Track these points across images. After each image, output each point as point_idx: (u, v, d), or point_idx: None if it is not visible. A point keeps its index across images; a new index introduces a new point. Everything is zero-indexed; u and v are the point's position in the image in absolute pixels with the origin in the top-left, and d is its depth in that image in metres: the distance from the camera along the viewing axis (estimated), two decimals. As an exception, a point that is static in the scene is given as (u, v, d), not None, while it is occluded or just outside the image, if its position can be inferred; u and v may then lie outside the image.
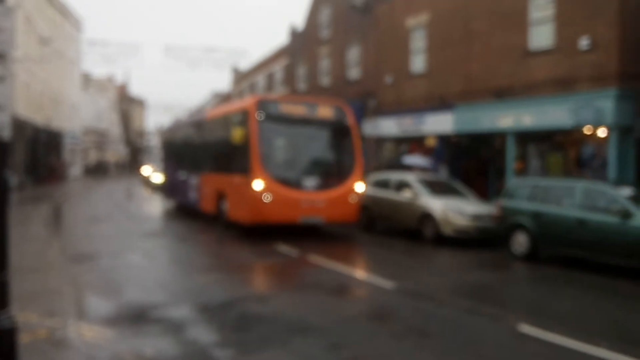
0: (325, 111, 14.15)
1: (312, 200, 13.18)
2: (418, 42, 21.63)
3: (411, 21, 21.86)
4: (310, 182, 13.37)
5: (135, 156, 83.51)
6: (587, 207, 10.80)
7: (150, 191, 32.13)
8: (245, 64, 47.49)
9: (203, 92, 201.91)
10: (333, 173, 14.01)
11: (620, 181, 13.23)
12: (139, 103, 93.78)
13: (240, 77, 45.87)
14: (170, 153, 23.03)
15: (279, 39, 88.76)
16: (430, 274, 10.41)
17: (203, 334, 6.03)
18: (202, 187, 17.11)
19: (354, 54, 26.18)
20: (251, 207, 12.98)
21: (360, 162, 14.18)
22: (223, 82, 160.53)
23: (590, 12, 15.45)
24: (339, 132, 14.31)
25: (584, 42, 15.22)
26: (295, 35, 32.57)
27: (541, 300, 8.47)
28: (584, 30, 15.35)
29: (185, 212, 19.40)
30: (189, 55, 40.86)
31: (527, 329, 6.47)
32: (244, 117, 13.67)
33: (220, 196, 15.31)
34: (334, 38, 27.79)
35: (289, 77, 32.82)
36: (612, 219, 10.22)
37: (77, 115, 51.00)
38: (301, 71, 31.43)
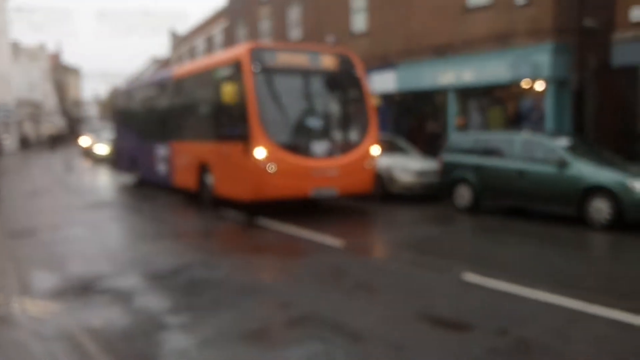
0: (330, 61, 11.92)
1: (324, 169, 11.13)
2: (359, 1, 21.48)
3: (351, -21, 21.63)
4: (321, 147, 11.28)
5: (73, 127, 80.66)
6: (526, 159, 11.18)
7: (92, 163, 31.21)
8: (184, 27, 46.12)
9: (141, 59, 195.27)
10: (345, 135, 12.12)
11: (557, 132, 13.70)
12: (73, 72, 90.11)
13: (179, 41, 44.60)
14: (125, 121, 19.79)
15: (218, 0, 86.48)
16: (377, 231, 10.61)
17: (153, 302, 5.99)
18: (173, 158, 14.80)
19: (294, 14, 25.81)
20: (251, 180, 10.89)
21: (375, 121, 12.10)
22: (162, 47, 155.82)
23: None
24: (348, 86, 12.20)
25: (520, -3, 15.46)
26: (233, -4, 31.81)
27: (484, 250, 8.79)
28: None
29: (149, 187, 17.13)
30: (124, 21, 39.40)
31: (471, 277, 6.71)
32: (235, 70, 11.38)
33: (202, 169, 13.02)
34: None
35: (229, 39, 32.15)
36: (549, 169, 10.62)
37: (8, 86, 48.61)
38: (241, 33, 30.82)
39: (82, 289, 6.43)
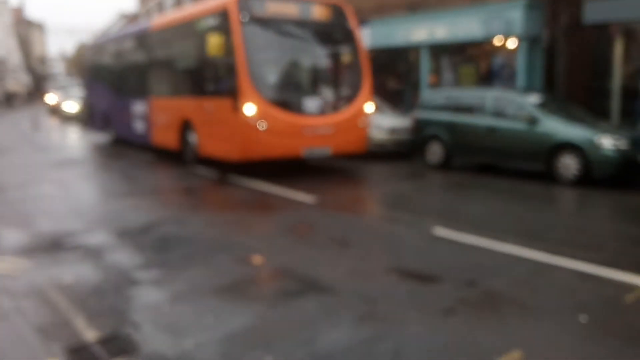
0: (322, 12, 11.16)
1: (317, 127, 10.57)
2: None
3: None
4: (313, 103, 10.69)
5: (39, 84, 78.47)
6: (497, 115, 11.27)
7: (60, 121, 30.51)
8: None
9: (108, 14, 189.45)
10: (338, 91, 11.56)
11: (528, 89, 13.79)
12: (38, 27, 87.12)
13: (147, -5, 43.24)
14: (98, 76, 18.79)
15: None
16: (350, 187, 10.64)
17: (123, 258, 5.95)
18: (152, 115, 14.10)
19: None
20: (240, 139, 10.28)
21: (369, 76, 11.51)
22: (129, 2, 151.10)
23: None
24: (341, 39, 11.56)
25: (494, -48, 15.29)
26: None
27: (454, 205, 8.91)
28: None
29: (123, 146, 16.70)
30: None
31: (441, 231, 6.81)
32: (221, 20, 10.60)
33: (184, 126, 12.36)
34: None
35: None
36: (519, 126, 10.73)
37: (-32, 41, 46.78)
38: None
39: (52, 246, 6.35)
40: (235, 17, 10.23)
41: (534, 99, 11.29)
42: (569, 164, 10.06)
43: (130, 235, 6.82)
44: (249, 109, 10.07)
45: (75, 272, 5.49)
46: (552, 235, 6.86)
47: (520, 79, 14.91)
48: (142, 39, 15.06)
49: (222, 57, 10.45)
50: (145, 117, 14.48)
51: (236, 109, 10.20)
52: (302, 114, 10.52)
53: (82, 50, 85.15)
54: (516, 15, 14.63)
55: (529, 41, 15.03)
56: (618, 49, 14.15)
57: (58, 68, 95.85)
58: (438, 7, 16.48)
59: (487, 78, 16.11)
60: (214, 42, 10.26)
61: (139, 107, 14.89)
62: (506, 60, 15.81)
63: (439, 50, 17.04)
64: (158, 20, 15.15)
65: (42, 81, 79.92)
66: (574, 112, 11.47)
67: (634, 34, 14.41)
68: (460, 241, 6.46)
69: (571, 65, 15.50)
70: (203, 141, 11.61)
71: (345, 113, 10.99)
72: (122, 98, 16.18)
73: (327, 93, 11.29)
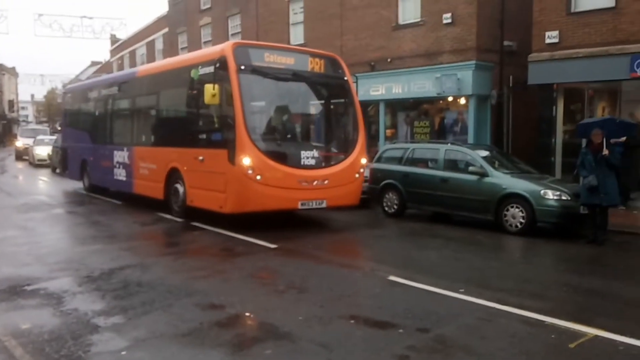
0: (318, 63, 10.71)
1: (313, 179, 10.05)
2: (296, 15, 21.60)
3: (290, -7, 21.71)
4: (309, 155, 10.17)
5: (8, 128, 76.73)
6: (450, 168, 11.55)
7: (29, 166, 29.75)
8: (126, 32, 44.91)
9: (80, 62, 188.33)
10: (334, 143, 11.14)
11: (478, 144, 14.21)
12: (9, 71, 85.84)
13: (120, 45, 43.31)
14: (76, 122, 17.56)
15: (160, 6, 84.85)
16: (310, 234, 10.61)
17: (84, 304, 5.75)
18: (135, 163, 13.18)
19: (235, 23, 25.65)
20: (235, 190, 9.68)
21: (363, 129, 11.12)
22: (102, 51, 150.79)
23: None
24: (337, 91, 11.15)
25: (447, 18, 15.98)
26: (175, 3, 31.22)
27: (409, 253, 8.97)
28: (447, 6, 16.11)
29: (97, 192, 15.70)
30: (63, 23, 37.92)
31: (396, 279, 6.83)
32: (218, 68, 9.86)
33: (171, 176, 11.61)
34: (215, 7, 27.00)
35: (170, 46, 31.53)
36: (470, 178, 10.99)
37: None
38: (182, 40, 30.32)
39: (10, 292, 6.11)
40: (232, 66, 9.66)
41: (483, 153, 11.62)
42: (516, 214, 10.31)
43: (92, 281, 6.62)
44: (246, 160, 9.46)
45: (33, 318, 5.28)
46: (500, 283, 6.96)
47: (471, 134, 15.38)
48: (127, 85, 14.25)
49: (218, 106, 9.87)
50: (128, 165, 13.59)
51: (232, 159, 9.59)
52: (299, 166, 9.99)
53: (52, 95, 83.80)
54: (467, 76, 15.21)
55: (479, 99, 15.59)
56: (559, 108, 14.77)
57: (28, 112, 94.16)
58: (396, 66, 17.00)
59: (441, 132, 16.55)
60: (210, 91, 9.59)
61: (120, 154, 13.97)
62: (458, 116, 16.31)
63: (396, 106, 17.49)
64: (145, 67, 14.56)
65: (11, 125, 78.25)
66: (520, 165, 11.84)
67: (573, 95, 15.11)
68: (414, 288, 6.49)
69: (517, 123, 16.08)
70: (192, 192, 10.89)
71: (341, 165, 10.52)
72: (101, 144, 15.27)
73: (323, 145, 10.94)
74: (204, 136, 10.68)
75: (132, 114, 13.99)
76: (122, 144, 14.00)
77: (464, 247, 9.47)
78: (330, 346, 4.66)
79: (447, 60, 15.91)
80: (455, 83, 15.44)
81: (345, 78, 11.05)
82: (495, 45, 15.54)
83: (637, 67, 13.04)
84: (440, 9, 16.20)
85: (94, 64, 61.07)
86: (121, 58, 42.05)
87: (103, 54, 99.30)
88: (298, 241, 9.32)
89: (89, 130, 16.35)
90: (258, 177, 9.51)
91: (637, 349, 4.67)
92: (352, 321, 5.31)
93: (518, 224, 10.27)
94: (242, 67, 9.70)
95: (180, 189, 11.28)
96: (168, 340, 4.74)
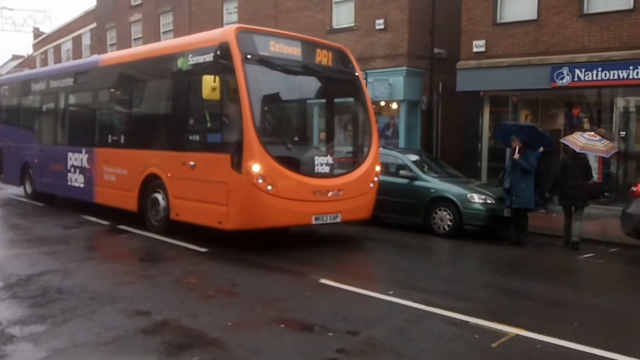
0: (327, 55, 9.26)
1: (328, 190, 8.67)
2: (231, 15, 21.38)
3: (224, -8, 21.45)
4: (324, 162, 8.82)
5: None
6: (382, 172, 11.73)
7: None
8: (50, 26, 42.97)
9: (0, 55, 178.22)
10: (348, 147, 9.91)
11: (408, 148, 14.54)
12: None
13: (44, 39, 41.38)
14: (15, 119, 15.05)
15: (87, 0, 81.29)
16: (241, 238, 10.51)
17: (0, 313, 5.44)
18: (98, 168, 11.34)
19: (167, 21, 25.10)
20: (240, 203, 8.18)
21: (376, 132, 9.76)
22: (24, 44, 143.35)
23: (384, -4, 16.51)
24: (348, 87, 9.74)
25: (379, 24, 16.29)
26: (104, -2, 30.22)
27: (340, 256, 9.03)
28: (380, 12, 16.41)
29: (42, 199, 13.76)
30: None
31: (328, 282, 6.86)
32: (219, 56, 8.25)
33: (148, 184, 9.90)
34: (146, 3, 26.32)
35: (98, 41, 30.44)
36: (401, 181, 11.22)
37: None
38: (111, 36, 29.35)
39: None
40: (237, 54, 8.11)
41: (413, 157, 11.91)
42: (443, 217, 10.62)
43: (8, 288, 6.27)
44: (255, 167, 7.97)
45: (-60, 329, 4.93)
46: (428, 285, 7.13)
47: (402, 138, 15.72)
48: (86, 76, 12.24)
49: (217, 102, 8.32)
50: (87, 170, 11.71)
51: (236, 166, 8.07)
52: (312, 174, 8.61)
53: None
54: (399, 82, 15.54)
55: (409, 105, 15.96)
56: (485, 115, 15.36)
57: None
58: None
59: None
60: (209, 84, 8.00)
61: (77, 157, 12.04)
62: (389, 120, 16.64)
63: (329, 109, 17.60)
64: (113, 55, 12.76)
65: None
66: (448, 170, 12.22)
67: (498, 102, 15.75)
68: (344, 291, 6.54)
69: (446, 128, 16.58)
70: (178, 203, 9.21)
71: (357, 173, 9.17)
72: (50, 145, 13.30)
73: (338, 149, 9.65)
74: (196, 138, 9.08)
75: (93, 110, 12.08)
76: (80, 145, 12.04)
77: (394, 249, 9.65)
78: (259, 351, 4.62)
79: (380, 65, 16.21)
80: (387, 88, 15.75)
81: (357, 74, 9.72)
82: (425, 52, 15.98)
83: (557, 78, 13.77)
84: (374, 14, 16.50)
85: (15, 57, 57.93)
86: (45, 52, 40.18)
87: (25, 47, 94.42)
88: (229, 245, 9.19)
89: (33, 128, 14.22)
90: (269, 188, 8.03)
91: (553, 346, 4.90)
92: (282, 325, 5.29)
93: (446, 227, 10.59)
94: (248, 57, 8.18)
95: (161, 199, 9.57)
96: (89, 349, 4.55)
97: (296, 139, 9.49)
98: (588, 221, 11.99)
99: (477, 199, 10.46)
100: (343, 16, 17.60)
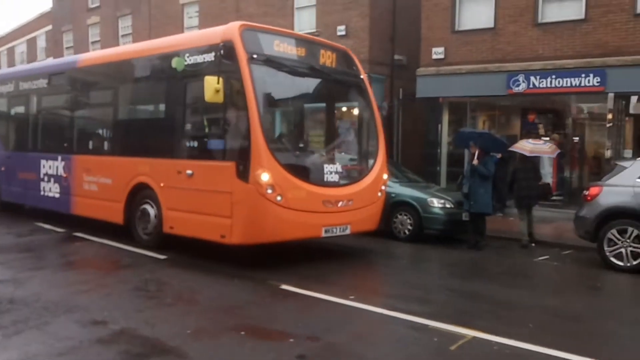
0: (330, 57, 8.69)
1: (338, 200, 8.15)
2: (191, 19, 21.19)
3: (185, -4, 21.26)
4: (333, 170, 8.30)
5: None
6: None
7: None
8: (2, 27, 41.68)
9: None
10: (356, 155, 9.41)
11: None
12: None
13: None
14: None
15: (43, 2, 79.33)
16: (201, 244, 10.38)
17: (-55, 325, 5.21)
18: (78, 177, 10.49)
19: (125, 24, 24.68)
20: (247, 216, 7.56)
21: (383, 138, 9.30)
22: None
23: (347, 3, 16.65)
24: (354, 91, 9.29)
25: (341, 30, 16.40)
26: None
27: (301, 261, 8.99)
28: (341, 19, 16.53)
29: (9, 209, 12.71)
30: None
31: (289, 288, 6.84)
32: (222, 57, 7.65)
33: (136, 194, 9.18)
34: (104, 6, 25.82)
35: (54, 44, 29.70)
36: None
37: None
38: (67, 39, 28.68)
39: None
40: (242, 54, 7.52)
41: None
42: (404, 222, 10.73)
43: (-45, 299, 6.03)
44: (264, 176, 7.36)
45: None
46: (388, 289, 7.20)
47: (364, 143, 15.80)
48: (63, 78, 11.37)
49: (220, 105, 7.65)
50: (63, 178, 10.86)
51: (243, 175, 7.44)
52: (322, 183, 8.09)
53: None
54: (359, 87, 15.59)
55: (371, 110, 16.05)
56: (445, 121, 15.62)
57: None
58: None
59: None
60: (212, 85, 7.34)
61: (52, 165, 11.18)
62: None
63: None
64: (94, 54, 11.86)
65: None
66: (408, 174, 12.36)
67: (457, 108, 16.04)
68: (306, 296, 6.53)
69: (406, 133, 16.79)
70: (172, 215, 8.51)
71: (365, 182, 8.68)
72: (20, 151, 12.36)
73: (346, 156, 9.11)
74: (193, 144, 8.37)
75: (71, 115, 11.21)
76: (55, 152, 11.15)
77: (355, 254, 9.69)
78: (219, 359, 4.56)
79: (341, 71, 16.30)
80: (349, 94, 15.82)
81: (362, 76, 9.28)
82: (386, 58, 16.16)
83: (513, 84, 14.11)
84: (335, 20, 16.60)
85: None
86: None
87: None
88: (189, 251, 9.05)
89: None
90: (278, 198, 7.45)
91: (509, 348, 5.00)
92: (243, 332, 5.23)
93: (406, 231, 10.70)
94: (254, 57, 7.59)
95: (152, 211, 8.89)
96: (42, 361, 4.41)
97: (304, 145, 8.90)
98: (544, 224, 12.33)
99: (436, 203, 10.61)
100: (305, 22, 17.64)
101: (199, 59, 8.19)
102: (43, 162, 11.42)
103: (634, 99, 14.11)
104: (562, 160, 14.96)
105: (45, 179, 11.36)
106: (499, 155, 11.34)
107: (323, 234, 8.11)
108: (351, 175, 8.69)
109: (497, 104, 16.05)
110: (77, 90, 11.04)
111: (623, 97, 13.67)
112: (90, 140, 10.75)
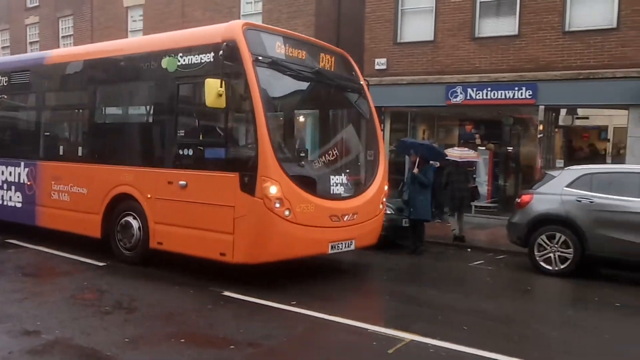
0: (329, 61, 8.15)
1: (344, 213, 7.61)
2: (136, 22, 20.75)
3: (128, -1, 20.80)
4: (338, 181, 7.74)
5: None
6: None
7: None
8: None
9: None
10: (357, 165, 8.76)
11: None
12: None
13: None
14: None
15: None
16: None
17: None
18: (45, 186, 9.47)
19: (66, 25, 23.87)
20: (253, 232, 6.89)
21: (383, 147, 8.88)
22: None
23: (292, 12, 16.73)
24: (354, 98, 8.65)
25: (286, 38, 16.40)
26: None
27: (244, 268, 8.90)
28: (287, 27, 16.48)
29: None
30: None
31: (230, 294, 6.77)
32: (224, 57, 6.84)
33: (116, 206, 8.35)
34: (44, 5, 24.89)
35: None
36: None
37: None
38: (4, 38, 27.46)
39: None
40: (247, 54, 6.90)
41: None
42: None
43: None
44: (272, 188, 6.72)
45: None
46: (329, 294, 7.21)
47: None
48: (28, 76, 10.21)
49: (221, 110, 6.98)
50: (27, 186, 9.84)
51: (248, 187, 6.78)
52: (328, 196, 7.52)
53: None
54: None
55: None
56: (387, 130, 15.87)
57: None
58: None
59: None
60: (214, 89, 6.64)
61: (12, 172, 10.14)
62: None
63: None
64: (66, 51, 10.75)
65: None
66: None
67: (399, 118, 16.35)
68: (248, 302, 6.48)
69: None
70: (161, 230, 7.73)
71: (368, 194, 8.11)
72: None
73: (349, 167, 8.44)
74: (188, 152, 7.53)
75: (37, 117, 10.09)
76: (17, 157, 10.13)
77: (297, 260, 9.66)
78: (157, 368, 4.46)
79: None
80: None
81: (361, 82, 8.81)
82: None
83: (452, 96, 14.52)
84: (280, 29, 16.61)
85: None
86: None
87: None
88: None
89: None
90: (287, 213, 6.85)
91: (445, 350, 5.12)
92: (183, 340, 5.13)
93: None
94: (259, 58, 6.99)
95: (135, 224, 8.09)
96: (-32, 374, 4.18)
97: (309, 155, 8.22)
98: (479, 230, 12.72)
99: (378, 210, 10.75)
100: (250, 29, 17.57)
101: (195, 59, 7.47)
102: (2, 168, 10.37)
103: (563, 111, 14.80)
104: (496, 169, 15.53)
105: (4, 187, 10.30)
106: (437, 164, 11.63)
107: (330, 251, 7.59)
108: (355, 187, 8.10)
109: (436, 114, 16.45)
110: (44, 90, 10.03)
111: (553, 110, 14.30)
112: (60, 146, 9.84)
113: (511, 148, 15.95)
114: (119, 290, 6.93)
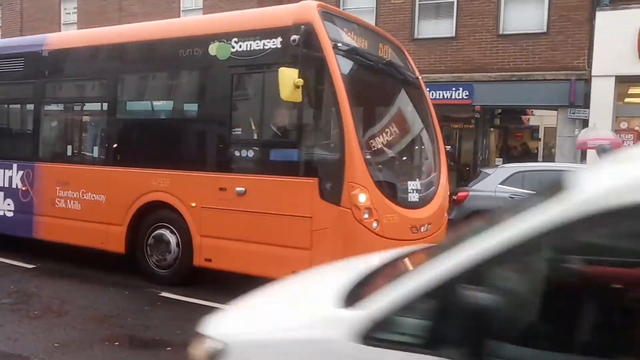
0: (387, 52, 7.10)
1: (421, 225, 6.54)
2: (70, 15, 19.98)
3: (62, -9, 20.01)
4: (414, 187, 6.72)
5: None
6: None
7: None
8: None
9: None
10: (427, 169, 7.57)
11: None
12: None
13: None
14: None
15: None
16: (72, 252, 9.73)
17: None
18: (47, 192, 8.09)
19: (-6, 17, 22.70)
20: (338, 247, 5.67)
21: (444, 147, 7.80)
22: None
23: (233, 9, 16.52)
24: (414, 94, 7.56)
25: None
26: None
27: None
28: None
29: None
30: None
31: (169, 295, 6.59)
32: (298, 43, 5.87)
33: (145, 216, 7.16)
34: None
35: None
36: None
37: None
38: None
39: None
40: (326, 40, 5.93)
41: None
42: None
43: None
44: (361, 197, 5.75)
45: None
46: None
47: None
48: (25, 63, 8.60)
49: (297, 105, 5.97)
50: (22, 192, 8.36)
51: (331, 195, 5.82)
52: (407, 204, 6.46)
53: None
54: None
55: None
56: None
57: None
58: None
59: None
60: (290, 79, 5.60)
61: (3, 176, 8.61)
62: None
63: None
64: (62, 36, 9.47)
65: None
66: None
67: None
68: (186, 303, 6.34)
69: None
70: (211, 244, 6.61)
71: (438, 201, 7.02)
72: None
73: (421, 170, 7.55)
74: (248, 153, 6.45)
75: (36, 111, 8.52)
76: (10, 159, 8.64)
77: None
78: (88, 373, 4.27)
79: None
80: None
81: (418, 76, 7.75)
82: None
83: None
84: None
85: None
86: None
87: None
88: (61, 259, 8.40)
89: None
90: (374, 225, 5.84)
91: None
92: (117, 343, 4.96)
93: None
94: (338, 45, 6.04)
95: (172, 238, 6.93)
96: None
97: (393, 158, 7.07)
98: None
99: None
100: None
101: (255, 45, 6.36)
102: None
103: (497, 111, 15.31)
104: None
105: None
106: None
107: None
108: (427, 193, 6.96)
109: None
110: (44, 80, 8.43)
111: (488, 110, 14.75)
112: (67, 146, 8.44)
113: (450, 147, 16.34)
114: (49, 293, 6.64)
